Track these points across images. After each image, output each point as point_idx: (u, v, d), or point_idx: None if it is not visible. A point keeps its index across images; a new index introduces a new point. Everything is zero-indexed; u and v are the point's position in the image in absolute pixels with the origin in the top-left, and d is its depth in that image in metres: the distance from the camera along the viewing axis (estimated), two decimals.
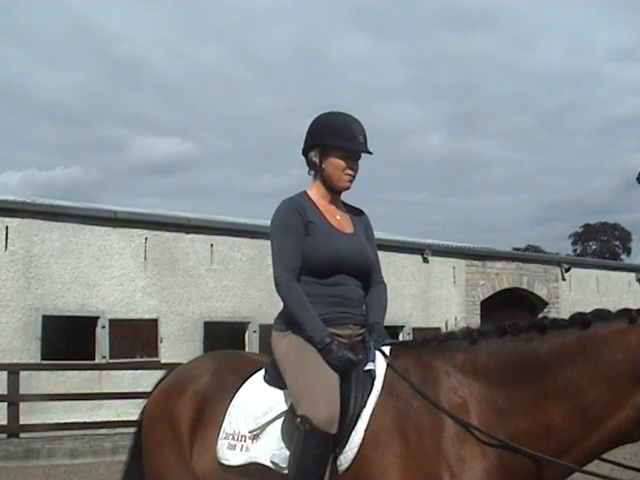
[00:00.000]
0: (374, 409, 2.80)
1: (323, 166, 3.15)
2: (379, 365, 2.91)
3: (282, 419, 2.95)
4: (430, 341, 2.97)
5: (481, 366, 2.76)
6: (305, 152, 3.22)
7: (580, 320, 2.68)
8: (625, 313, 2.64)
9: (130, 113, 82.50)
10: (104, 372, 13.25)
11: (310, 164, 3.22)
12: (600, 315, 2.68)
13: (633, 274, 23.32)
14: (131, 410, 10.71)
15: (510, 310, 18.98)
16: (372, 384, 2.86)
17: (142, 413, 3.51)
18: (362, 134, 3.14)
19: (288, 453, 2.85)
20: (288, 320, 3.04)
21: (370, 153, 3.16)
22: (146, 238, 14.33)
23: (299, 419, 2.80)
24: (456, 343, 2.88)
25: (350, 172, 3.14)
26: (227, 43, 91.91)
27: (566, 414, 2.59)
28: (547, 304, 20.98)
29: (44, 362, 12.76)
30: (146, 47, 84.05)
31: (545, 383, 2.64)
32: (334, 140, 3.09)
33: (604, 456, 2.70)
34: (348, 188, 3.20)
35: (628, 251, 55.64)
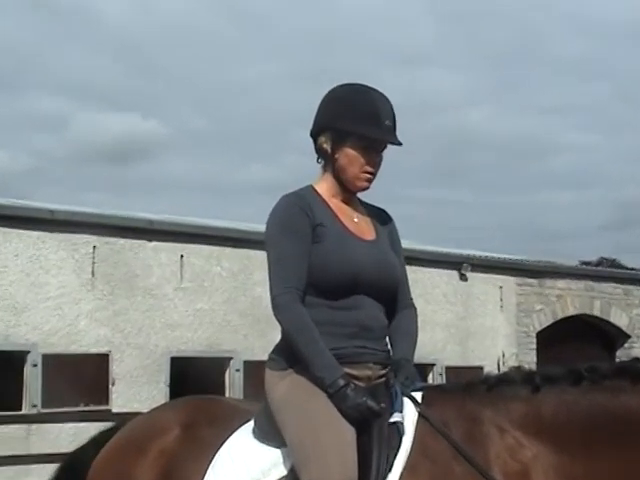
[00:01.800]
0: (402, 474, 2.82)
1: (336, 156, 3.19)
2: (408, 416, 2.93)
3: None
4: (476, 385, 3.00)
5: (549, 423, 2.78)
6: (314, 135, 3.26)
7: None
8: None
9: (73, 79, 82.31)
10: (34, 426, 13.21)
11: (320, 151, 3.26)
12: None
13: None
14: None
15: (577, 345, 18.95)
16: (400, 441, 2.88)
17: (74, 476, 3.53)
18: (390, 118, 3.17)
19: None
20: (288, 355, 3.05)
21: (399, 144, 3.20)
22: (94, 247, 14.33)
23: None
24: (513, 390, 2.89)
25: (370, 169, 3.19)
26: None
27: None
28: (629, 337, 20.97)
29: None
30: None
31: None
32: (353, 125, 3.13)
33: None
34: (366, 189, 3.26)
35: None
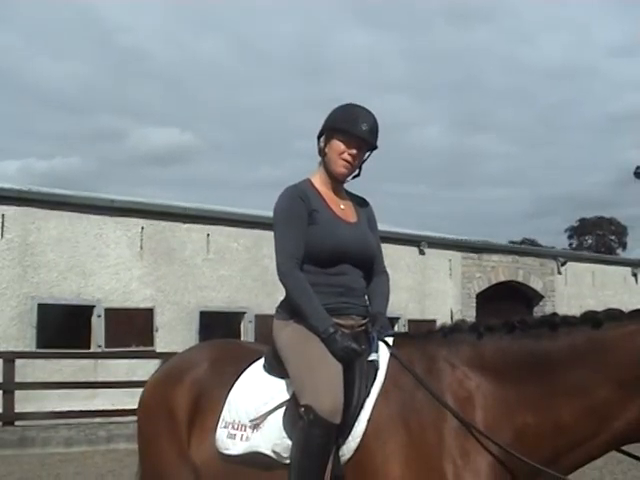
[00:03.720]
0: (377, 399, 2.79)
1: (326, 150, 3.16)
2: (382, 356, 2.90)
3: (284, 408, 2.93)
4: (435, 333, 2.95)
5: (489, 361, 2.74)
6: (318, 139, 3.24)
7: (591, 319, 2.65)
8: (637, 315, 2.61)
9: (130, 103, 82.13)
10: (99, 361, 13.22)
11: (319, 151, 3.22)
12: (612, 315, 2.64)
13: (629, 269, 23.27)
14: (126, 399, 10.68)
15: (506, 303, 18.98)
16: (375, 374, 2.85)
17: (139, 403, 3.47)
18: (367, 123, 3.10)
19: (290, 443, 2.83)
20: (290, 309, 3.03)
21: (369, 143, 3.12)
22: (142, 227, 14.26)
23: (303, 409, 2.78)
24: (462, 336, 2.85)
25: (346, 157, 3.10)
26: (227, 35, 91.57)
27: (575, 413, 2.58)
28: (542, 297, 20.96)
29: (40, 350, 12.70)
30: (147, 38, 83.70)
31: (555, 381, 2.62)
32: (336, 123, 3.12)
33: None
34: (344, 175, 3.16)
35: (624, 245, 55.54)
